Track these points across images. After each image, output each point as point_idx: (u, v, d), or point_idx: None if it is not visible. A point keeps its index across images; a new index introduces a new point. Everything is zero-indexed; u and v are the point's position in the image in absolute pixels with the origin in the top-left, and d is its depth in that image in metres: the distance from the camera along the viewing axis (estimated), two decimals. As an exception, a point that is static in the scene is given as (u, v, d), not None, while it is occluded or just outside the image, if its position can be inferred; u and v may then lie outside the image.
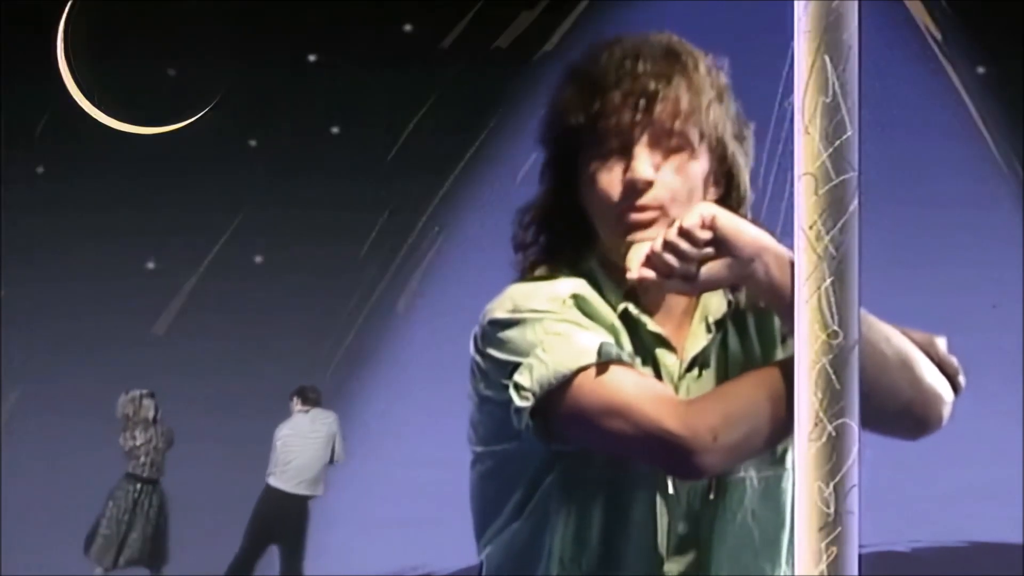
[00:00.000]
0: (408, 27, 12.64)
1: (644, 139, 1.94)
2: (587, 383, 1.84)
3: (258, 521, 10.42)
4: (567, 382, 1.84)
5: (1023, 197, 12.20)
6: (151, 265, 12.76)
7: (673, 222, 1.90)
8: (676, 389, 1.96)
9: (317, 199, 12.12)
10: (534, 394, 1.85)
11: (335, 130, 12.77)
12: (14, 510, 11.62)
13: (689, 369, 1.97)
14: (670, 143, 1.95)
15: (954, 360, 1.95)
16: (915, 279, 11.48)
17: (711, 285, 1.88)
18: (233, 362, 11.87)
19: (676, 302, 2.00)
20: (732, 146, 1.98)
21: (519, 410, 1.86)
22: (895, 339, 1.87)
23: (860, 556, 1.38)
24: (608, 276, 1.98)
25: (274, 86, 12.30)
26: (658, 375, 1.96)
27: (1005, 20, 11.63)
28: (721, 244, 1.84)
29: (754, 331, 2.02)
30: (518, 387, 1.86)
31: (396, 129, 12.43)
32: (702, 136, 1.96)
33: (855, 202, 1.39)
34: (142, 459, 10.48)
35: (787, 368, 1.75)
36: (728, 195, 2.00)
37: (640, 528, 1.92)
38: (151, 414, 10.50)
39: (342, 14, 12.09)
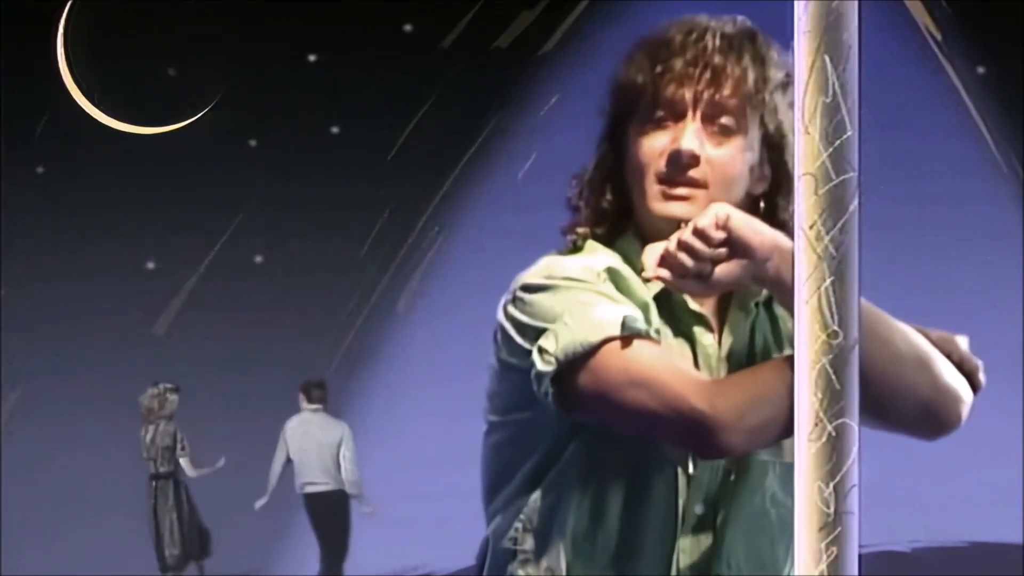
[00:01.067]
0: (408, 27, 12.63)
1: (699, 113, 1.93)
2: (612, 355, 1.83)
3: (315, 525, 10.59)
4: (591, 352, 1.84)
5: (1023, 197, 12.20)
6: (151, 265, 12.75)
7: (708, 206, 1.89)
8: (712, 371, 1.95)
9: (317, 199, 12.12)
10: (557, 360, 1.84)
11: (335, 130, 12.76)
12: (14, 510, 11.62)
13: (730, 351, 1.97)
14: (726, 123, 1.93)
15: (974, 358, 1.95)
16: (915, 279, 11.48)
17: (725, 286, 1.87)
18: (233, 362, 11.87)
19: None
20: (791, 139, 1.95)
21: (540, 375, 1.85)
22: (913, 338, 1.86)
23: (860, 556, 1.38)
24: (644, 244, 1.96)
25: (274, 86, 12.30)
26: (695, 355, 1.95)
27: (1005, 20, 11.63)
28: (735, 245, 1.82)
29: (784, 314, 2.00)
30: (542, 351, 1.86)
31: (396, 129, 12.42)
32: (761, 123, 1.94)
33: (855, 202, 1.40)
34: (152, 454, 10.54)
35: None
36: (776, 191, 1.98)
37: (658, 507, 1.91)
38: (174, 409, 10.58)
39: (342, 14, 12.08)
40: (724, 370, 1.96)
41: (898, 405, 1.83)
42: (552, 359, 1.85)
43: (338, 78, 12.26)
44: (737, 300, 1.99)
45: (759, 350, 1.99)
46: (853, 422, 1.39)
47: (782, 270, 1.80)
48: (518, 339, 1.90)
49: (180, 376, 11.00)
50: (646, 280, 1.90)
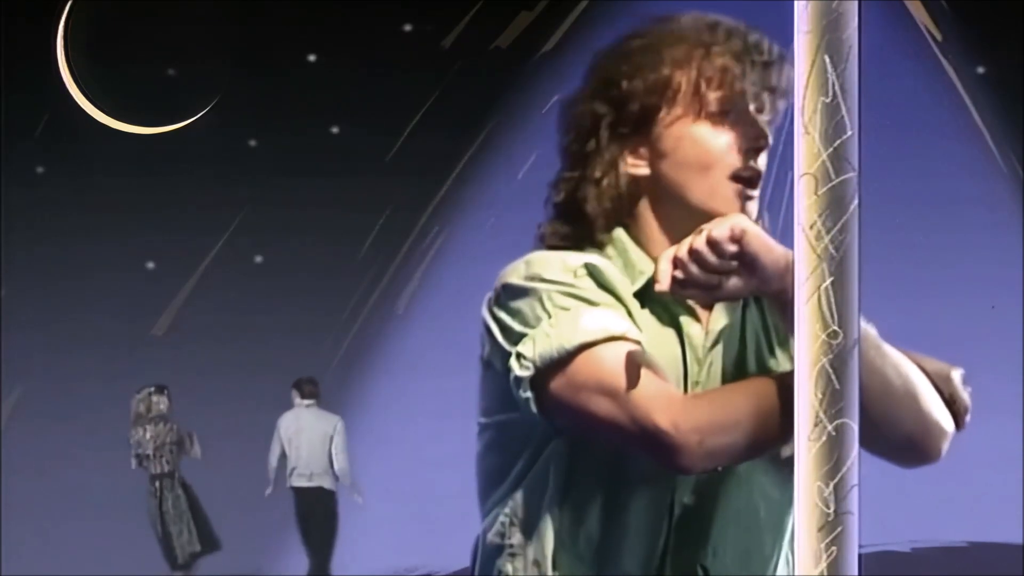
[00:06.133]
0: (408, 27, 12.63)
1: (754, 106, 1.95)
2: (586, 361, 1.84)
3: (303, 522, 10.65)
4: (568, 358, 1.84)
5: (1023, 197, 12.20)
6: (151, 265, 12.76)
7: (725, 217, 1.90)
8: (698, 362, 1.95)
9: (317, 199, 12.12)
10: (534, 364, 1.86)
11: (335, 130, 12.76)
12: (14, 510, 11.62)
13: (715, 343, 1.96)
14: (768, 119, 1.96)
15: (966, 397, 1.94)
16: (915, 279, 11.48)
17: (729, 298, 1.88)
18: (233, 362, 11.88)
19: None
20: None
21: (519, 379, 1.87)
22: (904, 368, 1.86)
23: (860, 556, 1.38)
24: (637, 241, 1.97)
25: (274, 86, 12.30)
26: (682, 343, 1.95)
27: (1005, 20, 11.63)
28: (745, 259, 1.82)
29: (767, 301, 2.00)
30: (520, 356, 1.87)
31: (396, 129, 12.42)
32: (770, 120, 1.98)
33: (855, 202, 1.40)
34: (151, 454, 10.55)
35: (786, 380, 1.75)
36: None
37: (645, 499, 1.92)
38: (163, 409, 10.59)
39: (342, 14, 12.08)
40: (711, 358, 1.96)
41: (881, 433, 1.83)
42: (529, 364, 1.86)
43: (338, 78, 12.26)
44: None
45: (749, 340, 1.99)
46: (853, 422, 1.39)
47: (788, 288, 1.78)
48: (500, 340, 1.91)
49: (180, 376, 11.00)
50: (658, 291, 1.89)
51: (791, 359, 1.97)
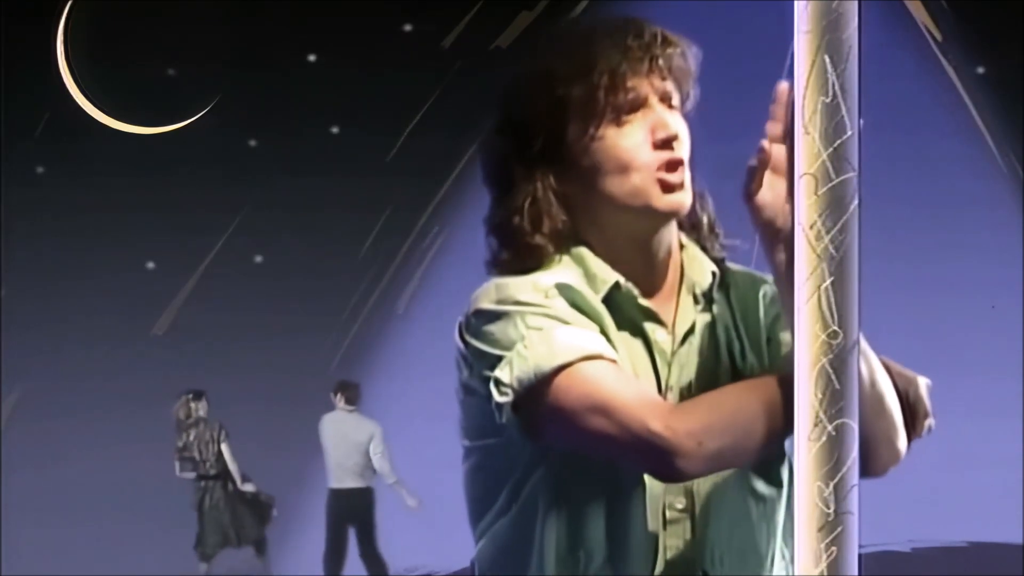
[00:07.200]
0: (408, 27, 12.63)
1: (656, 98, 1.95)
2: (568, 381, 1.84)
3: (332, 519, 10.71)
4: (547, 379, 1.84)
5: (1023, 197, 12.20)
6: (151, 265, 12.76)
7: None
8: (668, 365, 1.95)
9: (317, 199, 12.12)
10: (513, 389, 1.85)
11: (335, 130, 12.76)
12: (14, 510, 11.62)
13: (681, 343, 1.96)
14: (674, 103, 1.96)
15: (928, 404, 1.93)
16: (915, 279, 11.48)
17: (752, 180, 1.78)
18: (233, 362, 11.87)
19: (664, 276, 1.99)
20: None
21: (499, 405, 1.86)
22: (879, 382, 1.84)
23: (860, 556, 1.39)
24: (596, 254, 1.97)
25: (274, 86, 12.30)
26: (649, 351, 1.95)
27: (1005, 20, 11.63)
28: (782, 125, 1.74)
29: (737, 304, 2.01)
30: (498, 382, 1.86)
31: (396, 129, 12.42)
32: (682, 104, 1.98)
33: (855, 202, 1.40)
34: (196, 456, 10.64)
35: (782, 379, 1.74)
36: None
37: (637, 507, 1.92)
38: (202, 413, 10.67)
39: (342, 14, 12.08)
40: (679, 366, 1.96)
41: None
42: (508, 389, 1.85)
43: (338, 78, 12.25)
44: (686, 292, 1.99)
45: (721, 339, 1.99)
46: (853, 422, 1.39)
47: (785, 246, 1.75)
48: (476, 366, 1.91)
49: (180, 376, 11.01)
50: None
51: (760, 360, 1.97)
